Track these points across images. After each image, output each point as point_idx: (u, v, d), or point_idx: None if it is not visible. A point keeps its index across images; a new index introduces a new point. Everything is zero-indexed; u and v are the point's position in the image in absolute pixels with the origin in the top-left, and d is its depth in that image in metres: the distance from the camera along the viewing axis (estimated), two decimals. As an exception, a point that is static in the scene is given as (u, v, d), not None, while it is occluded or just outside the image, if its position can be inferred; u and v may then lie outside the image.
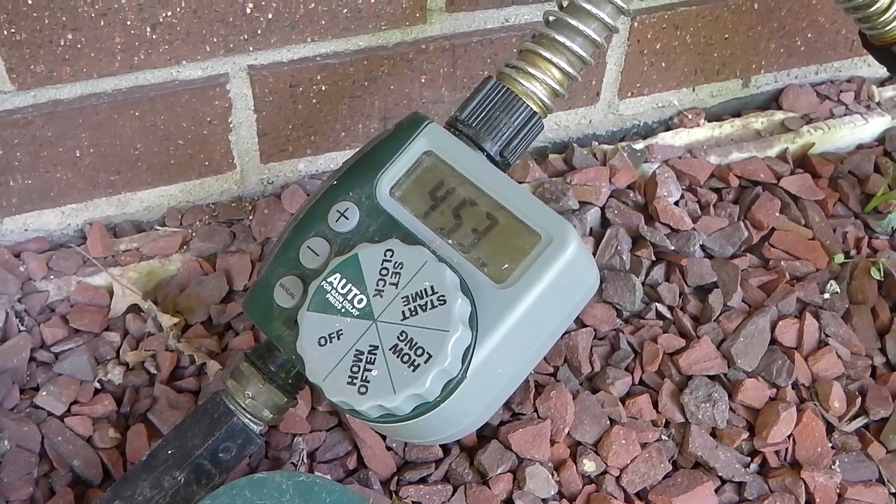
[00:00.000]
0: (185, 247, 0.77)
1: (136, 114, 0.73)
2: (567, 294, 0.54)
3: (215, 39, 0.71)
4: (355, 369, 0.50)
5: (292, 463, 0.65)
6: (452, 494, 0.64)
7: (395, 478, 0.65)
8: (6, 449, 0.64)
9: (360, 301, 0.52)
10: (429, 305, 0.50)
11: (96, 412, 0.67)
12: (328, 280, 0.53)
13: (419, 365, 0.49)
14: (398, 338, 0.50)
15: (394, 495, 0.64)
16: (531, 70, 0.60)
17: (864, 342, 0.74)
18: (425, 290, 0.51)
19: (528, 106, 0.60)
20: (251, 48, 0.72)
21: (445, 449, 0.67)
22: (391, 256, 0.52)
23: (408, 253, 0.52)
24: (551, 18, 0.61)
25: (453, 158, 0.56)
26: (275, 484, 0.55)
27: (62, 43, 0.67)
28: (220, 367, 0.69)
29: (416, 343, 0.50)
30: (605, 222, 0.80)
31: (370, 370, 0.50)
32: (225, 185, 0.80)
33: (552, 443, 0.67)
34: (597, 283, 0.57)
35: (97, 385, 0.69)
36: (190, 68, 0.72)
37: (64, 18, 0.66)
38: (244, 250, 0.77)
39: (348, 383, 0.50)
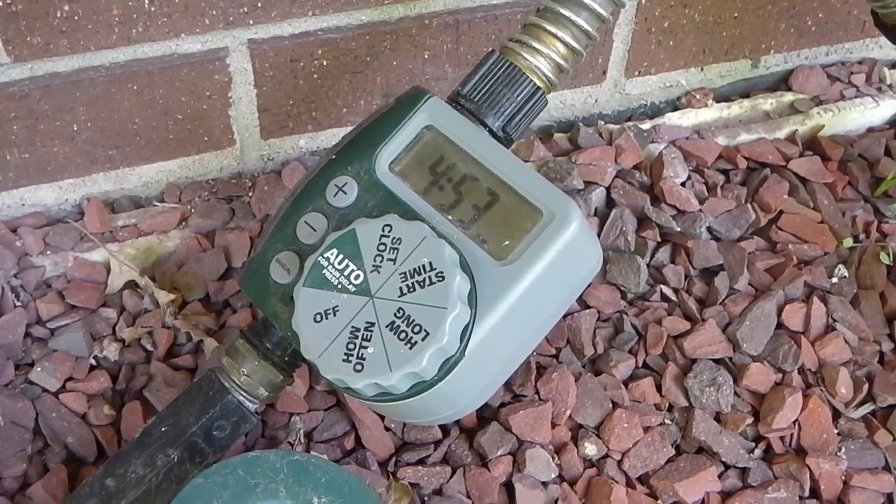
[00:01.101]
0: (183, 223, 0.76)
1: (135, 88, 0.72)
2: (569, 273, 0.54)
3: (215, 12, 0.70)
4: (351, 346, 0.50)
5: (289, 442, 0.64)
6: (451, 476, 0.63)
7: (394, 459, 0.64)
8: (0, 425, 0.63)
9: (357, 277, 0.51)
10: (427, 282, 0.49)
11: (91, 389, 0.66)
12: (325, 255, 0.52)
13: (416, 343, 0.48)
14: (395, 315, 0.49)
15: (391, 476, 0.63)
16: (535, 44, 0.59)
17: (872, 328, 0.73)
18: (423, 266, 0.50)
19: (531, 81, 0.58)
20: (251, 21, 0.71)
21: (444, 430, 0.66)
22: (389, 232, 0.51)
23: (406, 229, 0.51)
24: (555, -8, 0.60)
25: (454, 133, 0.55)
26: (269, 463, 0.54)
27: (59, 15, 0.66)
28: (218, 344, 0.68)
29: (414, 320, 0.49)
30: (610, 203, 0.79)
31: (366, 347, 0.49)
32: (224, 161, 0.80)
33: (553, 425, 0.66)
34: (600, 262, 0.56)
35: (93, 362, 0.68)
36: (189, 42, 0.71)
37: (60, -11, 0.65)
38: (243, 227, 0.76)
39: (344, 360, 0.49)
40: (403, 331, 0.49)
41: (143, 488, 0.56)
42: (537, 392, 0.67)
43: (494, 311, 0.50)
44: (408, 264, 0.50)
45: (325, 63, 0.75)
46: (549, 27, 0.59)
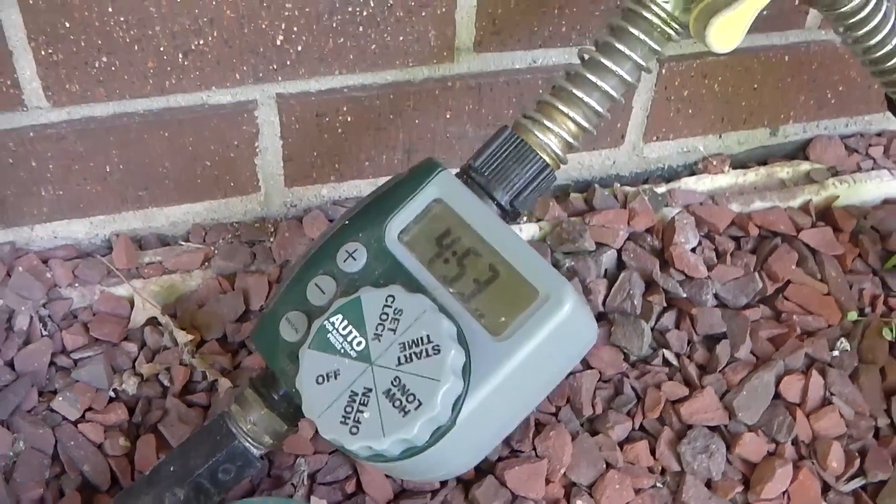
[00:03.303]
0: (206, 263, 0.79)
1: (166, 134, 0.74)
2: (562, 350, 0.55)
3: (245, 68, 0.72)
4: (349, 409, 0.52)
5: (293, 484, 0.66)
6: (446, 527, 0.65)
7: (391, 506, 0.66)
8: (21, 449, 0.66)
9: (359, 343, 0.53)
10: (423, 354, 0.51)
11: (109, 420, 0.69)
12: (330, 320, 0.54)
13: (409, 411, 0.50)
14: (392, 383, 0.51)
15: (388, 524, 0.65)
16: (546, 122, 0.61)
17: (870, 402, 0.74)
18: (421, 338, 0.52)
19: (540, 158, 0.60)
20: (280, 77, 0.74)
21: (442, 481, 0.67)
22: (392, 302, 0.53)
23: (408, 301, 0.53)
24: (572, 71, 0.62)
25: (462, 208, 0.57)
26: (267, 512, 0.56)
27: (97, 65, 0.69)
28: (232, 384, 0.71)
29: (409, 389, 0.51)
30: (620, 265, 0.81)
31: (363, 412, 0.51)
32: (249, 205, 0.82)
33: (547, 482, 0.67)
34: (594, 337, 0.57)
35: (112, 394, 0.71)
36: (219, 94, 0.74)
37: (100, 42, 0.68)
38: (263, 271, 0.78)
39: (341, 422, 0.51)
40: (398, 399, 0.51)
41: (149, 525, 0.59)
42: (534, 448, 0.69)
43: (486, 385, 0.52)
44: (407, 335, 0.52)
45: (349, 119, 0.78)
46: (561, 106, 0.61)
